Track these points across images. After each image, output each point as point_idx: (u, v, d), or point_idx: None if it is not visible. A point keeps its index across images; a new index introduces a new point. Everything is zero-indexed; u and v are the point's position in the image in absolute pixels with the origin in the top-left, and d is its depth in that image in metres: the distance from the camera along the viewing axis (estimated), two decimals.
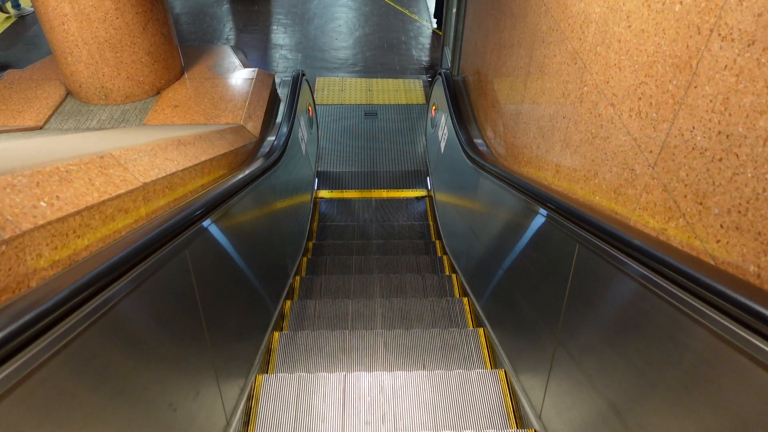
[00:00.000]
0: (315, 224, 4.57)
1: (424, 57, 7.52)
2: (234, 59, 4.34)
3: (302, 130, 4.35)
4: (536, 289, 2.04)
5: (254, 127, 3.66)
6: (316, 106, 6.26)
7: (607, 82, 1.69)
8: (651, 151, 1.41)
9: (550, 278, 1.86)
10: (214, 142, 2.69)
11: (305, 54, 7.50)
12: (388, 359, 2.63)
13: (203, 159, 2.34)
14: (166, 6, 3.77)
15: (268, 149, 3.39)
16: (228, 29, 8.04)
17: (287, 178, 3.66)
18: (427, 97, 6.58)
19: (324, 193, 5.04)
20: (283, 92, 4.20)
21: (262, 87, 4.06)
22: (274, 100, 4.28)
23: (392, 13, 8.79)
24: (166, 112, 3.62)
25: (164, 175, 1.76)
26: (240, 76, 4.07)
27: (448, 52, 6.56)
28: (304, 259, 3.70)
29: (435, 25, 8.36)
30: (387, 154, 5.55)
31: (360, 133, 5.85)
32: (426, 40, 7.99)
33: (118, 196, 1.44)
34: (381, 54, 7.57)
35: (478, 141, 3.68)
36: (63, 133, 3.35)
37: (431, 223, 4.72)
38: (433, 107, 4.97)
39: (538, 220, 2.02)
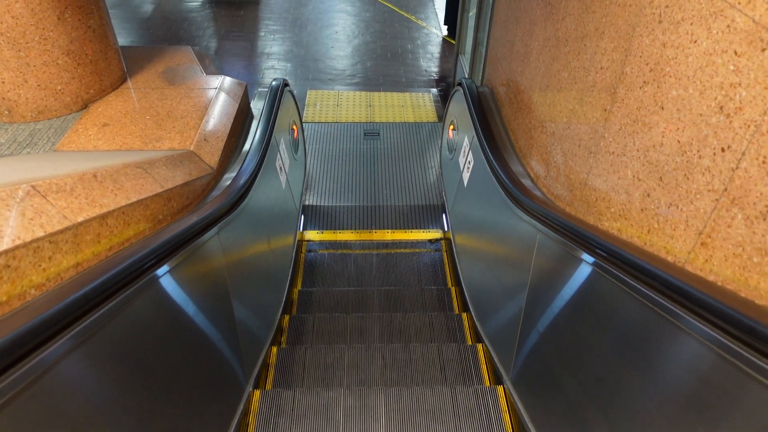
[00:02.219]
0: (297, 286, 3.60)
1: (434, 68, 6.66)
2: (195, 64, 3.44)
3: (282, 157, 3.42)
4: None
5: (211, 153, 2.73)
6: (306, 125, 5.35)
7: None
8: None
9: None
10: (129, 182, 1.76)
11: (296, 63, 6.64)
12: None
13: (89, 215, 1.41)
14: None
15: (228, 185, 2.47)
16: (208, 36, 7.20)
17: (255, 224, 2.72)
18: (441, 113, 5.67)
19: (312, 235, 4.09)
20: (259, 107, 3.30)
21: (228, 100, 3.15)
22: (244, 118, 3.36)
23: (396, 19, 7.96)
24: (90, 133, 2.70)
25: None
26: (199, 86, 3.16)
27: (464, 61, 5.69)
28: (273, 350, 2.74)
29: (446, 33, 7.53)
30: (392, 184, 4.62)
31: (358, 158, 4.93)
32: (435, 49, 7.14)
33: None
34: (384, 64, 6.71)
35: (517, 169, 2.76)
36: None
37: (450, 280, 3.76)
38: (451, 127, 4.06)
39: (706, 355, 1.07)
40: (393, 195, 4.49)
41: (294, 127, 4.01)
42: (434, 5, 8.50)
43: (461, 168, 3.59)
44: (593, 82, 1.94)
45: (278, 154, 3.35)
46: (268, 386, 2.60)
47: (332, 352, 2.69)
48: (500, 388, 2.43)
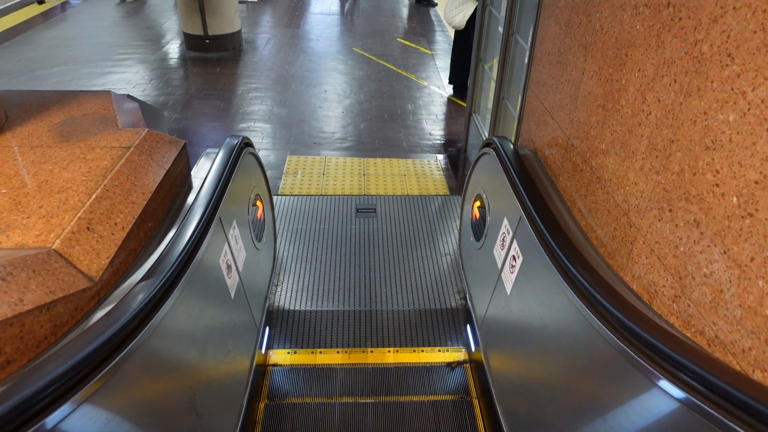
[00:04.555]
0: None
1: (439, 131, 5.77)
2: (109, 114, 2.44)
3: (232, 249, 2.35)
4: None
5: (95, 252, 1.66)
6: (282, 199, 4.33)
7: None
8: None
9: None
10: None
11: (276, 124, 5.74)
12: None
13: None
14: None
15: (109, 314, 1.39)
16: (177, 94, 6.34)
17: (165, 367, 1.61)
18: (452, 184, 4.69)
19: (281, 357, 2.94)
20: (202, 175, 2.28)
21: (147, 165, 2.11)
22: (178, 190, 2.32)
23: (394, 77, 7.21)
24: None
25: None
26: (105, 143, 2.14)
27: (478, 121, 4.79)
28: None
29: (451, 92, 6.73)
30: (393, 279, 3.52)
31: (349, 243, 3.86)
32: (440, 110, 6.30)
33: None
34: (380, 126, 5.82)
35: (607, 276, 1.69)
36: None
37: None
38: (476, 203, 3.03)
39: None
40: (395, 295, 3.38)
41: (259, 203, 2.97)
42: (436, 64, 7.80)
43: (499, 263, 2.52)
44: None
45: (225, 247, 2.27)
46: None
47: None
48: None
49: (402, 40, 8.91)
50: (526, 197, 2.23)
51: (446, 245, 3.85)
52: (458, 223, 3.55)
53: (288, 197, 4.37)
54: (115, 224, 1.80)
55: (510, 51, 3.72)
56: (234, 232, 2.43)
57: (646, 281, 1.65)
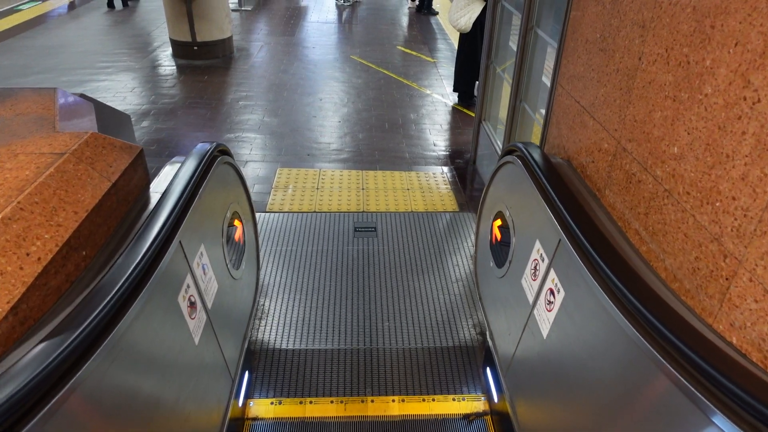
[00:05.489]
0: None
1: (444, 141, 5.35)
2: (49, 113, 2.00)
3: (197, 283, 1.89)
4: None
5: None
6: (269, 217, 3.89)
7: None
8: None
9: None
10: None
11: (266, 134, 5.31)
12: None
13: None
14: None
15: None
16: (160, 102, 5.92)
17: None
18: (461, 200, 4.25)
19: (263, 409, 2.47)
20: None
21: (83, 176, 1.68)
22: (127, 208, 1.87)
23: (394, 85, 6.81)
24: None
25: None
26: (33, 149, 1.69)
27: (489, 129, 4.37)
28: None
29: (456, 101, 6.33)
30: (397, 311, 3.06)
31: (345, 267, 3.40)
32: (444, 119, 5.89)
33: None
34: (380, 136, 5.40)
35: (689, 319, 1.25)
36: None
37: None
38: (496, 222, 2.58)
39: None
40: (400, 331, 2.91)
41: (237, 222, 2.52)
42: (438, 71, 7.42)
43: (530, 297, 2.06)
44: None
45: (188, 279, 1.81)
46: None
47: None
48: None
49: (402, 48, 8.54)
50: (567, 215, 1.79)
51: (458, 270, 3.39)
52: (473, 245, 3.10)
53: (277, 214, 3.92)
54: (27, 255, 1.35)
55: (529, 47, 3.31)
56: (201, 260, 1.98)
57: (757, 334, 1.20)
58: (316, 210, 4.03)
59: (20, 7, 10.24)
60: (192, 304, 1.85)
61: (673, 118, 1.52)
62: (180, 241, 1.77)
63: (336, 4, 11.57)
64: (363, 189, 4.35)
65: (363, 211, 4.03)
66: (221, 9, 7.35)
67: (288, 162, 4.80)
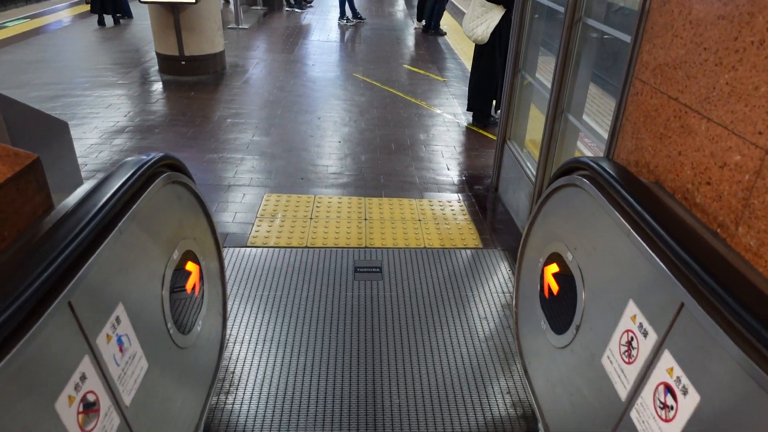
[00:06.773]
0: None
1: (459, 165, 4.71)
2: None
3: (101, 368, 1.21)
4: None
5: None
6: (250, 253, 3.21)
7: None
8: None
9: None
10: None
11: (255, 155, 4.68)
12: None
13: None
14: None
15: None
16: (137, 120, 5.31)
17: None
18: (484, 233, 3.57)
19: None
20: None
21: None
22: (5, 244, 1.19)
23: (401, 104, 6.22)
24: None
25: None
26: None
27: (515, 150, 3.73)
28: None
29: (470, 120, 5.72)
30: (408, 381, 2.35)
31: (343, 319, 2.71)
32: (457, 140, 5.27)
33: None
34: (385, 159, 4.77)
35: None
36: None
37: None
38: (550, 268, 1.89)
39: None
40: (413, 411, 2.19)
41: (192, 265, 1.83)
42: (449, 90, 6.83)
43: (623, 391, 1.37)
44: None
45: (84, 363, 1.13)
46: None
47: None
48: None
49: (409, 67, 8.00)
50: (696, 266, 1.11)
51: (487, 324, 2.69)
52: (504, 291, 2.41)
53: (260, 250, 3.24)
54: None
55: (573, 45, 2.68)
56: (114, 330, 1.29)
57: None
58: (309, 245, 3.35)
59: (6, 24, 9.81)
60: (89, 407, 1.16)
61: None
62: (70, 304, 1.10)
63: (338, 24, 11.13)
64: (366, 219, 3.68)
65: (366, 247, 3.35)
66: (212, 21, 6.82)
67: (278, 187, 4.14)
